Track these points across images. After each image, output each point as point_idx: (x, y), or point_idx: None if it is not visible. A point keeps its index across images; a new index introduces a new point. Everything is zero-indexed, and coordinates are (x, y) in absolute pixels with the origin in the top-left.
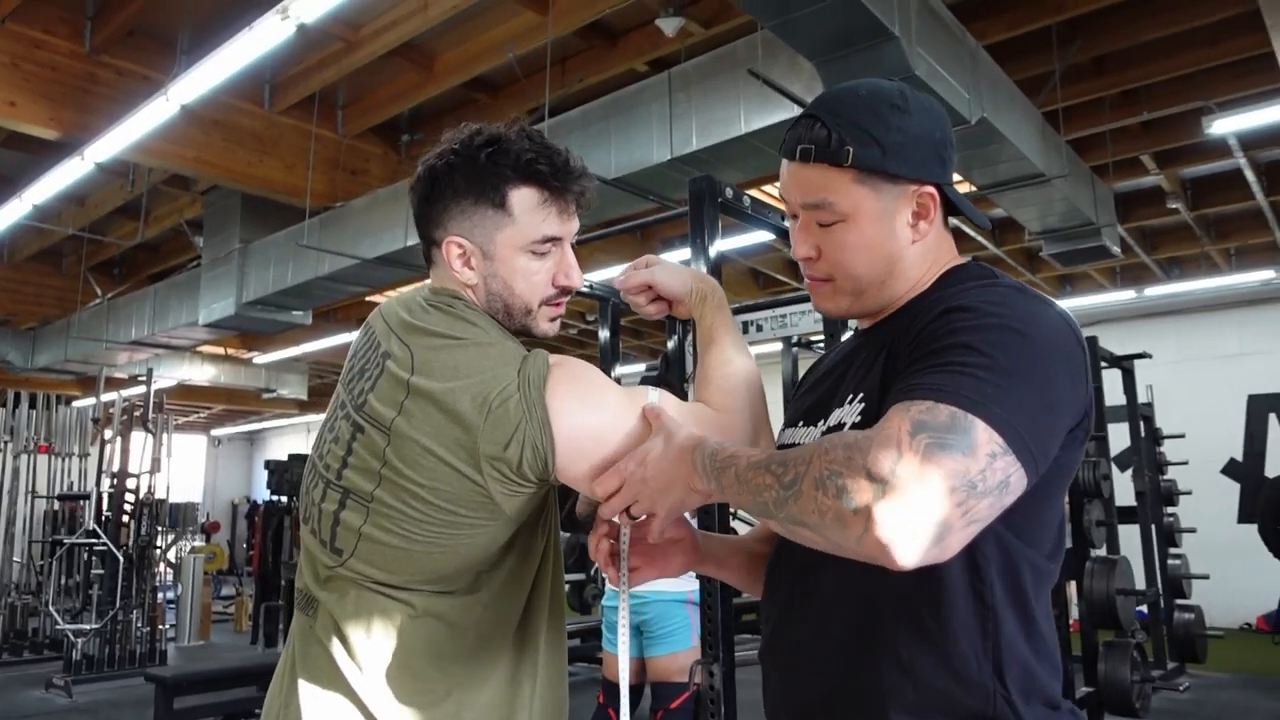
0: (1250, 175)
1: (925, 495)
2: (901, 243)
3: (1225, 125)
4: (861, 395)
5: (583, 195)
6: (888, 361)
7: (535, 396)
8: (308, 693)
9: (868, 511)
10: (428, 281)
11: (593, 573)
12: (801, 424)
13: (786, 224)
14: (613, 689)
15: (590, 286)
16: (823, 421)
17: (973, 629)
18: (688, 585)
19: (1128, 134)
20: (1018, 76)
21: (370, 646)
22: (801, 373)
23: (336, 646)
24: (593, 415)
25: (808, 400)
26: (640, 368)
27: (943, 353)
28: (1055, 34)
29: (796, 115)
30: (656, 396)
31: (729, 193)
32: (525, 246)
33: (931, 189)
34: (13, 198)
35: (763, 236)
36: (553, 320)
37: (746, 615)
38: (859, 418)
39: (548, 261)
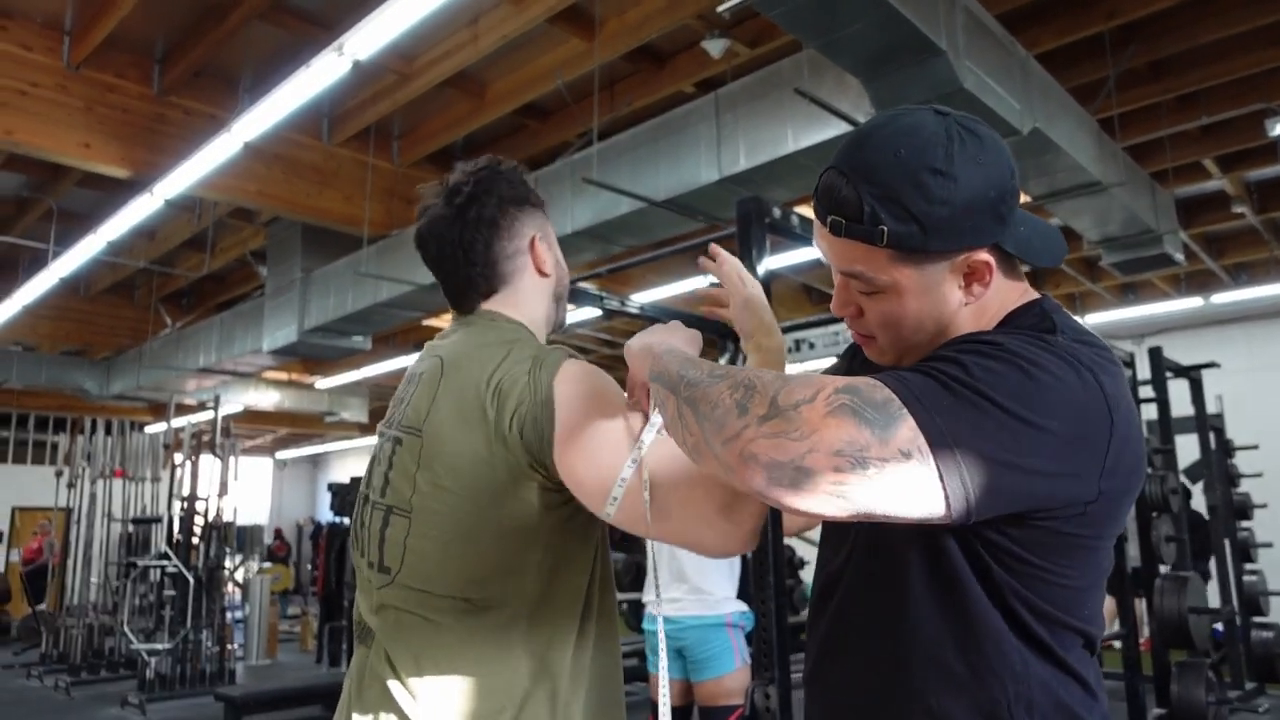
0: None
1: (806, 438)
2: (952, 307)
3: None
4: None
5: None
6: None
7: (543, 378)
8: None
9: (749, 422)
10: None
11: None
12: None
13: None
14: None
15: (642, 308)
16: None
17: (1003, 673)
18: (726, 608)
19: (1187, 138)
20: (1071, 84)
21: (420, 672)
22: None
23: (389, 675)
24: (593, 410)
25: None
26: None
27: (930, 360)
28: (1108, 39)
29: (846, 132)
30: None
31: (776, 212)
32: (552, 244)
33: (985, 255)
34: (88, 234)
35: (815, 253)
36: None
37: (803, 634)
38: None
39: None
